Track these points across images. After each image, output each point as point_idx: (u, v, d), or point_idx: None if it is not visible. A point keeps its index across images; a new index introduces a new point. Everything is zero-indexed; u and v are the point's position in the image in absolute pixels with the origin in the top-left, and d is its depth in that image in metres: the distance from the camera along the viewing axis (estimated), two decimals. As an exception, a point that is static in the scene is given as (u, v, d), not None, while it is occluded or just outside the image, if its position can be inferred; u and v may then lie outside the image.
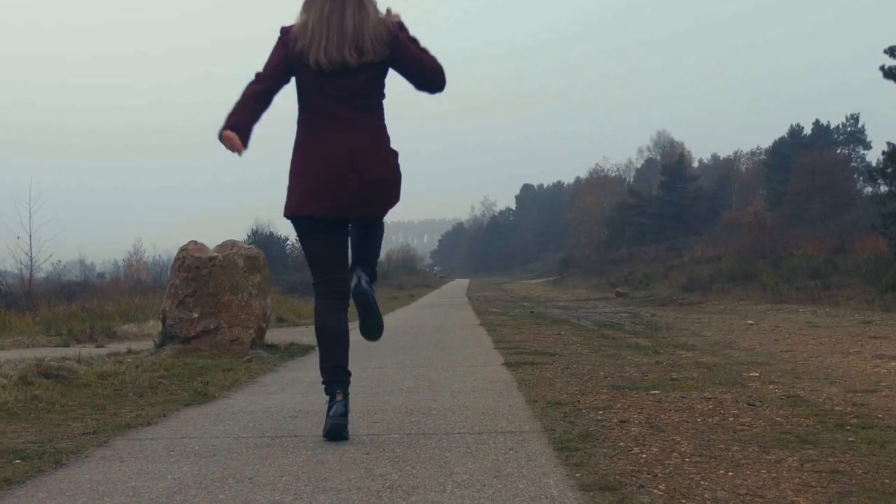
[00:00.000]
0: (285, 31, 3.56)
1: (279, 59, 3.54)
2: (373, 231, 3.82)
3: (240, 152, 3.44)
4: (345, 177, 3.48)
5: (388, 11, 3.56)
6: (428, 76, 3.58)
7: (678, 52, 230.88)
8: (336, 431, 3.50)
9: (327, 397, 3.55)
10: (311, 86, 3.53)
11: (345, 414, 3.52)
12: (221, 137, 3.41)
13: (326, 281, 3.63)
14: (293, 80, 3.58)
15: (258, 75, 3.54)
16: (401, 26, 3.55)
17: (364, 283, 3.67)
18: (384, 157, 3.59)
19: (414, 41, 3.56)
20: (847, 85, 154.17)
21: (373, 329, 3.75)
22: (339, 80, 3.48)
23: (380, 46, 3.47)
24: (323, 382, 3.57)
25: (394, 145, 3.67)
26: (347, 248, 3.74)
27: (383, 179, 3.58)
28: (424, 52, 3.57)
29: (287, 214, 3.59)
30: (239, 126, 3.45)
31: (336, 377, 3.53)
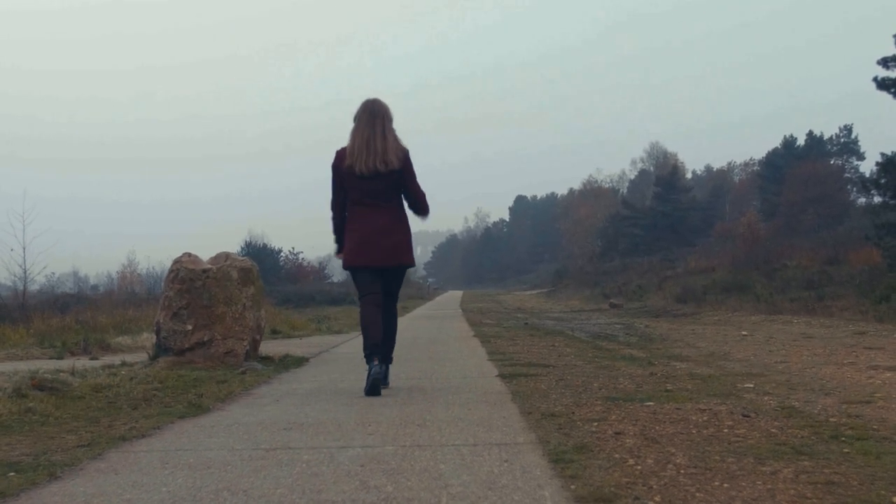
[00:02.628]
0: (339, 156, 5.56)
1: (338, 183, 5.63)
2: (395, 281, 5.81)
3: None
4: (378, 241, 5.53)
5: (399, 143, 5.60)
6: (415, 198, 5.70)
7: (671, 64, 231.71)
8: (374, 385, 5.27)
9: (367, 366, 5.35)
10: (355, 187, 5.54)
11: (381, 373, 5.41)
12: (338, 256, 5.89)
13: (368, 294, 5.60)
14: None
15: (333, 203, 5.72)
16: (407, 155, 5.59)
17: (380, 372, 5.40)
18: (401, 229, 5.67)
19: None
20: (840, 96, 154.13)
21: (371, 389, 5.32)
22: (374, 182, 5.49)
23: (397, 160, 5.50)
24: (365, 356, 5.39)
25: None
26: (380, 281, 5.69)
27: (399, 241, 5.64)
28: (419, 186, 5.69)
29: (345, 266, 5.73)
30: (342, 241, 5.76)
31: (374, 350, 5.35)
